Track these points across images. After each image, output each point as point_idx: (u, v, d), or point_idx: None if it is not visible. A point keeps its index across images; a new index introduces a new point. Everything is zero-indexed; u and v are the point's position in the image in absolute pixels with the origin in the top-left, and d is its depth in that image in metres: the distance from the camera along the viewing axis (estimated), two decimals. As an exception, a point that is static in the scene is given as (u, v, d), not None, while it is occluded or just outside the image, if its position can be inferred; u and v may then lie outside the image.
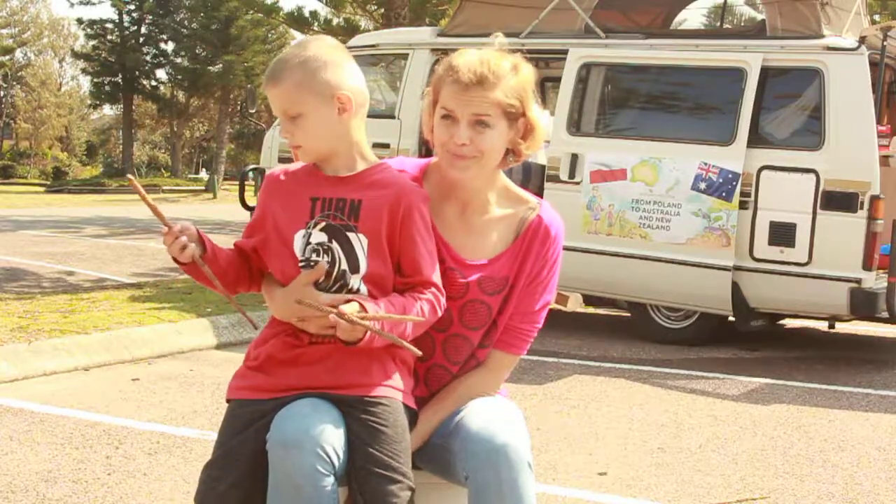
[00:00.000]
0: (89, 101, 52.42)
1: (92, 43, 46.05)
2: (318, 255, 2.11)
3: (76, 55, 49.73)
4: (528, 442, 2.11)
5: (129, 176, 2.22)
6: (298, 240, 2.13)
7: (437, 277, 2.17)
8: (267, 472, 2.02)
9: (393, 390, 2.11)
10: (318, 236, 2.12)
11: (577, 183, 7.05)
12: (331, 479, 1.98)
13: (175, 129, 48.00)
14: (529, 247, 2.27)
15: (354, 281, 2.11)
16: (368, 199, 2.13)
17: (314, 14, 19.33)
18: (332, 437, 2.00)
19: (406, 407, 2.13)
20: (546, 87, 9.32)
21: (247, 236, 2.23)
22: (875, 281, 6.35)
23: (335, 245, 2.11)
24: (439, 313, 2.16)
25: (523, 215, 2.29)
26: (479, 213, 2.28)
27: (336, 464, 1.99)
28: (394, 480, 2.01)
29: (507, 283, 2.26)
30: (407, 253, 2.13)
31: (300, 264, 2.12)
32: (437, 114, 2.20)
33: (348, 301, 2.04)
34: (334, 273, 2.11)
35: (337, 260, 2.11)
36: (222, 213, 21.90)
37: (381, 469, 2.01)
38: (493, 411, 2.15)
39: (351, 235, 2.11)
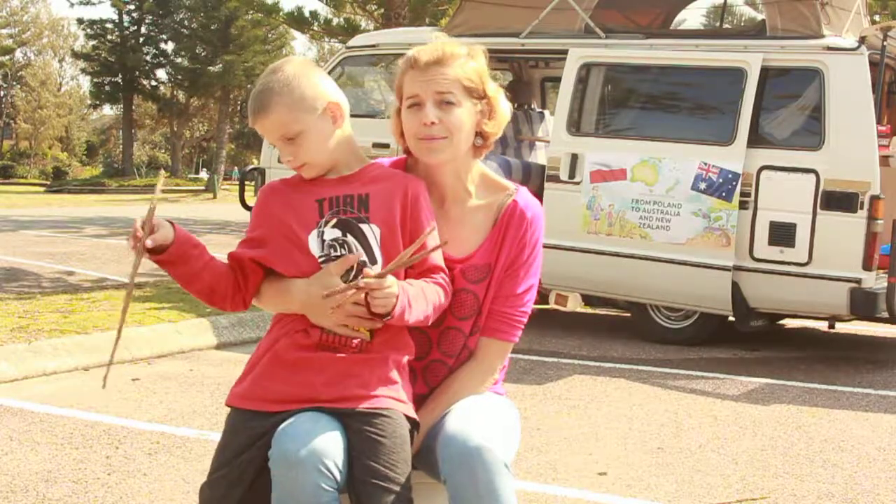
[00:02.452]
0: (89, 101, 52.47)
1: (92, 43, 46.10)
2: (335, 251, 2.14)
3: (76, 55, 49.77)
4: (506, 442, 2.10)
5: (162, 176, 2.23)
6: (313, 240, 2.15)
7: (443, 263, 2.22)
8: (268, 482, 2.03)
9: (394, 401, 2.12)
10: (332, 233, 2.15)
11: (577, 183, 7.05)
12: (333, 494, 1.99)
13: (175, 129, 48.01)
14: (506, 231, 2.30)
15: (374, 272, 2.12)
16: (375, 192, 2.17)
17: (314, 14, 19.34)
18: (334, 453, 2.00)
19: (407, 418, 2.13)
20: (546, 87, 9.34)
21: (245, 247, 2.21)
22: (875, 281, 6.34)
23: (350, 238, 2.15)
24: (449, 298, 2.21)
25: (500, 202, 2.32)
26: (458, 204, 2.32)
27: (338, 479, 2.00)
28: (391, 492, 2.01)
29: (489, 270, 2.29)
30: (418, 237, 2.16)
31: (320, 261, 2.14)
32: (404, 106, 2.25)
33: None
34: (355, 265, 2.14)
35: (355, 252, 2.14)
36: (222, 213, 21.91)
37: (378, 480, 2.01)
38: (473, 412, 2.14)
39: (364, 227, 2.15)
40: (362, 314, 2.08)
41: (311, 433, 2.01)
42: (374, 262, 2.14)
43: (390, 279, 2.03)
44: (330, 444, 2.00)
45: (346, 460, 2.02)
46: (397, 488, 2.02)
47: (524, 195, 2.34)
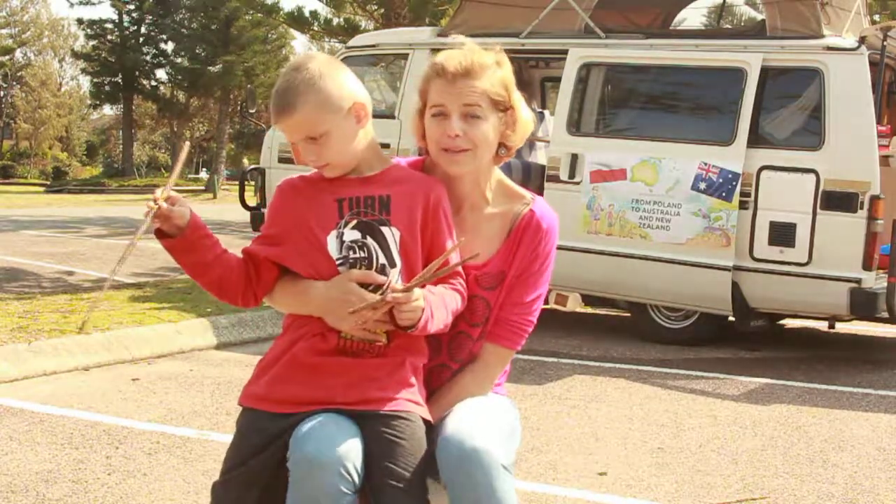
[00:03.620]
0: (89, 101, 52.47)
1: (92, 43, 46.10)
2: (353, 253, 2.12)
3: (76, 55, 49.77)
4: (504, 444, 2.10)
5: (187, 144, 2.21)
6: (332, 241, 2.13)
7: (461, 268, 2.21)
8: (281, 483, 2.03)
9: (412, 404, 2.11)
10: (351, 234, 2.13)
11: (577, 183, 7.05)
12: (352, 498, 1.99)
13: (175, 129, 48.01)
14: (521, 240, 2.29)
15: (393, 276, 2.12)
16: (397, 194, 2.15)
17: (314, 14, 19.33)
18: (354, 455, 2.00)
19: (422, 420, 2.13)
20: (546, 87, 9.34)
21: (262, 244, 2.19)
22: (875, 281, 6.34)
23: (370, 241, 2.12)
24: (465, 302, 2.21)
25: (517, 211, 2.31)
26: (475, 211, 2.30)
27: (357, 482, 2.00)
28: (409, 493, 2.02)
29: (502, 278, 2.28)
30: (438, 243, 2.16)
31: (338, 263, 2.12)
32: (428, 113, 2.22)
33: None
34: (374, 269, 2.13)
35: (374, 255, 2.13)
36: (222, 213, 21.91)
37: (397, 482, 2.01)
38: (471, 414, 2.14)
39: (384, 230, 2.13)
40: (385, 320, 2.07)
41: (332, 436, 2.00)
42: (393, 265, 2.12)
43: (417, 292, 2.03)
44: (350, 447, 2.00)
45: (363, 465, 2.02)
46: (415, 490, 2.02)
47: (541, 205, 2.32)
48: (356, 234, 2.12)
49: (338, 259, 2.12)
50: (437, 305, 2.09)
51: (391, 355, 2.12)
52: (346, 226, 2.13)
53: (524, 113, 2.28)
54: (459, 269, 2.21)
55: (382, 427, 2.05)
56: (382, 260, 2.12)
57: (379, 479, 2.01)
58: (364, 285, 2.10)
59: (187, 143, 2.29)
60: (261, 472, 2.07)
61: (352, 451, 2.00)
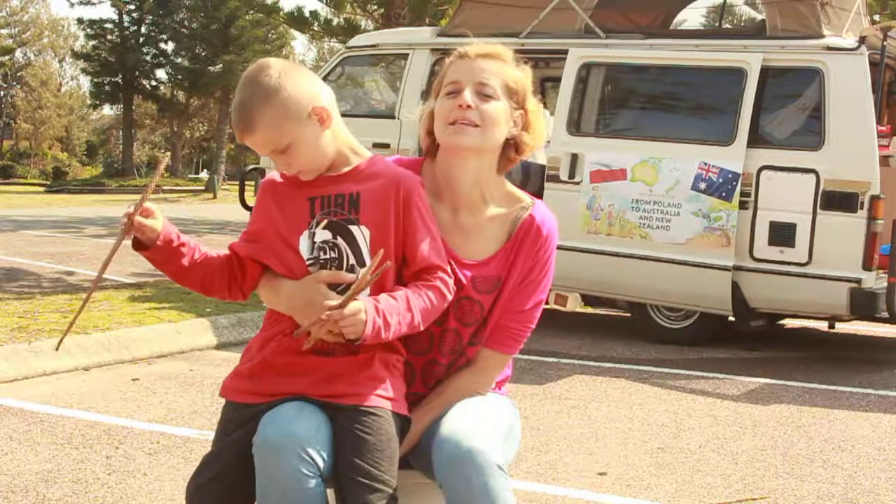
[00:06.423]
0: (89, 101, 52.43)
1: (92, 43, 46.05)
2: (324, 253, 2.12)
3: (76, 55, 49.72)
4: (500, 444, 2.09)
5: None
6: (304, 241, 2.13)
7: (442, 261, 2.18)
8: (254, 471, 2.03)
9: (382, 399, 2.11)
10: (323, 234, 2.13)
11: (577, 183, 7.05)
12: (316, 480, 1.99)
13: (175, 129, 47.98)
14: (521, 246, 2.27)
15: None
16: (366, 191, 2.14)
17: (314, 14, 19.34)
18: (316, 439, 2.00)
19: (397, 415, 2.13)
20: (546, 87, 9.34)
21: (245, 241, 2.21)
22: (875, 281, 6.35)
23: (340, 241, 2.12)
24: (449, 297, 2.17)
25: (516, 215, 2.29)
26: (472, 212, 2.29)
27: (321, 465, 2.00)
28: (373, 489, 2.01)
29: (499, 283, 2.27)
30: (411, 239, 2.14)
31: (308, 263, 2.13)
32: (441, 94, 2.23)
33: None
34: (344, 269, 2.12)
35: (344, 256, 2.12)
36: (222, 213, 21.91)
37: (361, 477, 2.01)
38: (467, 414, 2.13)
39: (353, 229, 2.12)
40: (338, 338, 2.06)
41: (293, 420, 2.02)
42: (362, 264, 2.12)
43: (355, 305, 2.00)
44: (312, 431, 2.01)
45: (331, 451, 2.02)
46: (380, 485, 2.01)
47: (541, 209, 2.31)
48: (327, 235, 2.13)
49: (308, 259, 2.13)
50: (394, 311, 2.06)
51: (363, 352, 2.12)
52: (317, 226, 2.13)
53: (541, 120, 2.29)
54: (439, 262, 2.17)
55: (349, 422, 2.05)
56: (352, 260, 2.12)
57: (344, 473, 2.01)
58: (334, 286, 2.10)
59: (167, 155, 2.27)
60: (228, 451, 2.10)
61: (313, 435, 2.00)
